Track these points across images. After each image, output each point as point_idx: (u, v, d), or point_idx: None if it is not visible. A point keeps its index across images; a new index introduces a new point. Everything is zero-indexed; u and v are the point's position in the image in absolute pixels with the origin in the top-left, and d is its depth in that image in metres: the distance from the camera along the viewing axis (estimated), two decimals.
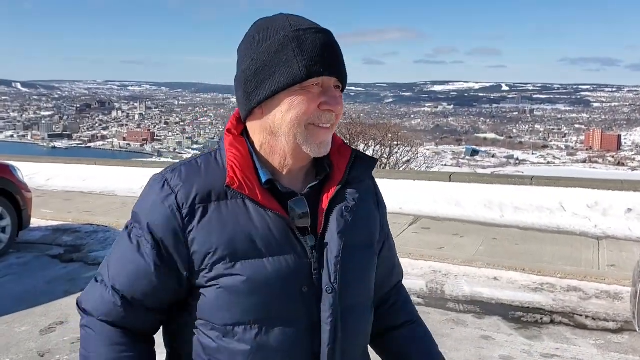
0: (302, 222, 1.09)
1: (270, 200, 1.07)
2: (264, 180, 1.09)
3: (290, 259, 1.07)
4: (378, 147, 17.29)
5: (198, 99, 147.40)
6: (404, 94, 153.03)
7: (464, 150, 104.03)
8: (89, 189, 10.19)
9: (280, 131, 1.07)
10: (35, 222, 7.06)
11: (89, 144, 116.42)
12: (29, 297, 4.73)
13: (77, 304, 1.16)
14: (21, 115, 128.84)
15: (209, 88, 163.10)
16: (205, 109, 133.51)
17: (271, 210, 1.06)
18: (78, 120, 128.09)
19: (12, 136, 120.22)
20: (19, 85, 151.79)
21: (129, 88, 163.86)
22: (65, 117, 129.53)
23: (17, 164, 7.48)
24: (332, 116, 1.07)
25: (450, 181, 8.49)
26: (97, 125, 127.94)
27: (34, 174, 10.82)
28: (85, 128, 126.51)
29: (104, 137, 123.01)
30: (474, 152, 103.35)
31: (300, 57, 1.02)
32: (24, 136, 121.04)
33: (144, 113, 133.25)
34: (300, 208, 1.09)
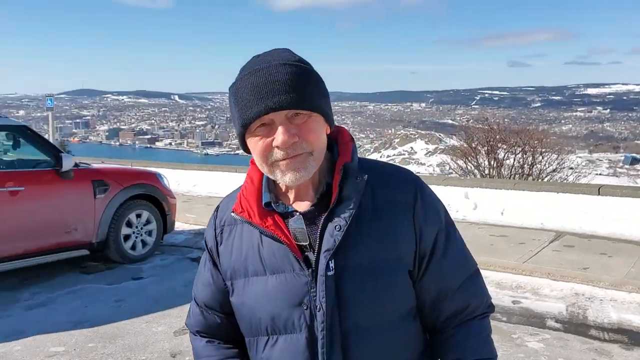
0: (301, 240, 1.15)
1: (267, 222, 1.16)
2: (264, 202, 1.19)
3: (289, 276, 1.15)
4: (520, 155, 16.28)
5: (337, 107, 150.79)
6: (552, 97, 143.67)
7: (622, 158, 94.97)
8: None
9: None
10: (179, 225, 7.57)
11: (237, 151, 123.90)
12: (166, 299, 5.05)
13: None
14: (178, 125, 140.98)
15: (348, 96, 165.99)
16: (343, 117, 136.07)
17: (266, 230, 1.15)
18: (228, 129, 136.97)
19: (170, 144, 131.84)
20: (176, 98, 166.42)
21: None
22: (216, 126, 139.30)
23: (168, 171, 8.11)
24: (283, 151, 1.08)
25: (599, 194, 7.72)
26: None
27: (182, 180, 11.66)
28: (234, 136, 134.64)
29: None
30: (634, 161, 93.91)
31: (236, 108, 1.11)
32: (180, 144, 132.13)
33: None
34: (296, 226, 1.16)
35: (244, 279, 1.20)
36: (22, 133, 5.78)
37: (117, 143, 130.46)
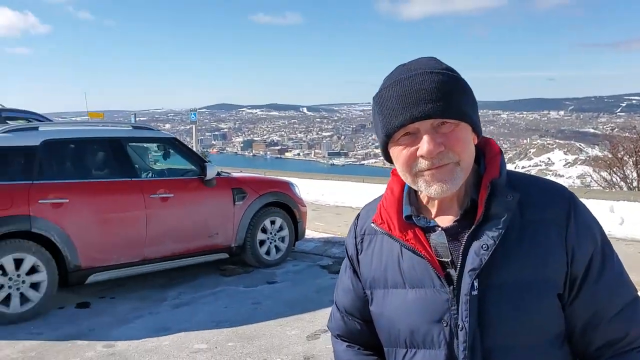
0: (442, 256, 1.13)
1: (408, 235, 1.15)
2: (404, 215, 1.17)
3: (429, 292, 1.13)
4: None
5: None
6: None
7: None
8: (357, 204, 10.86)
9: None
10: (309, 233, 7.79)
11: (362, 162, 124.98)
12: (299, 303, 5.21)
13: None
14: (306, 136, 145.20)
15: (480, 105, 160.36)
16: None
17: (407, 244, 1.14)
18: (353, 140, 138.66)
19: (298, 154, 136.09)
20: (305, 110, 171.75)
21: None
22: (342, 137, 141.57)
23: (297, 180, 8.39)
24: (428, 161, 1.06)
25: None
26: (370, 144, 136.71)
27: (311, 189, 11.98)
28: (359, 147, 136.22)
29: (376, 155, 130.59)
30: None
31: (380, 117, 1.11)
32: (308, 154, 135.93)
33: None
34: (438, 242, 1.14)
35: (383, 290, 1.20)
36: (171, 144, 6.30)
37: (251, 154, 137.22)
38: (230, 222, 6.21)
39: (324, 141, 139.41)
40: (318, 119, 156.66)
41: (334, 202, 11.33)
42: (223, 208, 6.18)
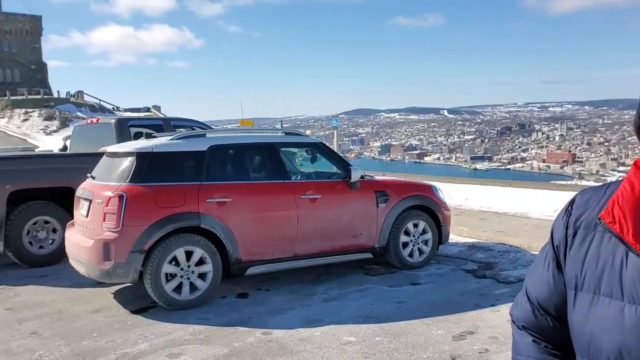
0: None
1: None
2: None
3: None
4: None
5: (626, 116, 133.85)
6: None
7: None
8: (502, 209, 10.55)
9: None
10: (453, 237, 7.75)
11: (507, 166, 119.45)
12: (444, 305, 5.25)
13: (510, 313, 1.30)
14: (446, 140, 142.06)
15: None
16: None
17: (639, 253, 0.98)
18: (498, 143, 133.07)
19: (438, 159, 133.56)
20: (445, 112, 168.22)
21: (550, 109, 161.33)
22: (486, 140, 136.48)
23: (439, 184, 8.38)
24: None
25: None
26: (516, 147, 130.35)
27: (453, 193, 11.83)
28: (504, 150, 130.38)
29: (523, 159, 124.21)
30: None
31: None
32: (448, 158, 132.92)
33: (564, 134, 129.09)
34: None
35: (592, 296, 1.04)
36: (318, 148, 6.67)
37: (388, 158, 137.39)
38: (373, 223, 6.41)
39: (466, 145, 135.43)
40: (460, 122, 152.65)
41: (478, 207, 11.10)
42: (367, 210, 6.41)
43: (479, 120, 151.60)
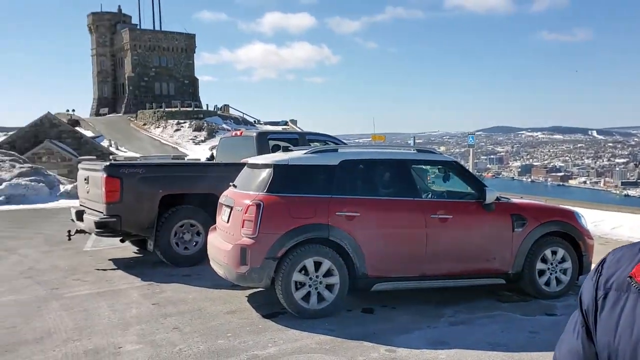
0: None
1: None
2: None
3: None
4: None
5: None
6: None
7: None
8: None
9: None
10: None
11: None
12: None
13: None
14: (594, 162, 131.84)
15: None
16: None
17: None
18: None
19: (584, 182, 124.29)
20: (594, 133, 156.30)
21: None
22: None
23: (583, 211, 7.82)
24: None
25: None
26: None
27: (599, 221, 10.96)
28: None
29: None
30: None
31: None
32: (596, 183, 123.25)
33: None
34: None
35: None
36: (452, 167, 6.54)
37: (529, 179, 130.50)
38: (508, 248, 6.14)
39: (617, 169, 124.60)
40: (610, 144, 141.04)
41: (627, 237, 10.17)
42: (501, 233, 6.16)
43: (632, 143, 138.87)
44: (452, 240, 5.97)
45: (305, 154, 6.01)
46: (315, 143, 9.25)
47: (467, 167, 7.89)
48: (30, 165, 21.35)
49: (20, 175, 18.97)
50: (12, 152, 24.33)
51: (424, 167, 7.90)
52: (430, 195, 6.54)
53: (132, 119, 74.48)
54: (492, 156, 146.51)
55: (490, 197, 6.08)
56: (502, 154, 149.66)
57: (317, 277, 5.51)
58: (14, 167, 20.04)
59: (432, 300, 6.11)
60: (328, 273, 5.54)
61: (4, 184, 17.85)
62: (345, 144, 10.07)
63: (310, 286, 5.50)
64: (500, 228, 6.15)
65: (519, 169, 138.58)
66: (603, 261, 1.05)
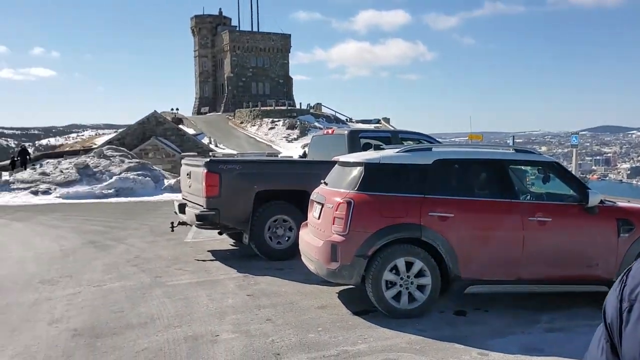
0: None
1: None
2: None
3: None
4: None
5: None
6: None
7: None
8: None
9: None
10: None
11: None
12: None
13: None
14: None
15: None
16: None
17: None
18: None
19: None
20: None
21: None
22: None
23: None
24: None
25: None
26: None
27: None
28: None
29: None
30: None
31: None
32: None
33: None
34: None
35: None
36: (552, 168, 6.25)
37: (639, 182, 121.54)
38: (612, 254, 5.78)
39: None
40: None
41: None
42: (605, 238, 5.81)
43: None
44: (551, 244, 5.71)
45: (397, 152, 5.99)
46: (409, 142, 9.17)
47: (569, 169, 7.50)
48: (137, 160, 22.84)
49: (128, 169, 20.34)
50: (122, 148, 26.13)
51: (522, 167, 7.62)
52: (528, 197, 6.30)
53: (230, 117, 77.48)
54: (598, 157, 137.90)
55: (593, 200, 5.75)
56: (609, 154, 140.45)
57: (408, 277, 5.48)
58: (123, 162, 21.52)
59: (527, 305, 5.89)
60: (420, 274, 5.49)
61: (114, 177, 19.21)
62: (440, 142, 9.90)
63: (401, 286, 5.48)
64: (604, 233, 5.81)
65: (629, 171, 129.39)
66: (628, 270, 0.99)
